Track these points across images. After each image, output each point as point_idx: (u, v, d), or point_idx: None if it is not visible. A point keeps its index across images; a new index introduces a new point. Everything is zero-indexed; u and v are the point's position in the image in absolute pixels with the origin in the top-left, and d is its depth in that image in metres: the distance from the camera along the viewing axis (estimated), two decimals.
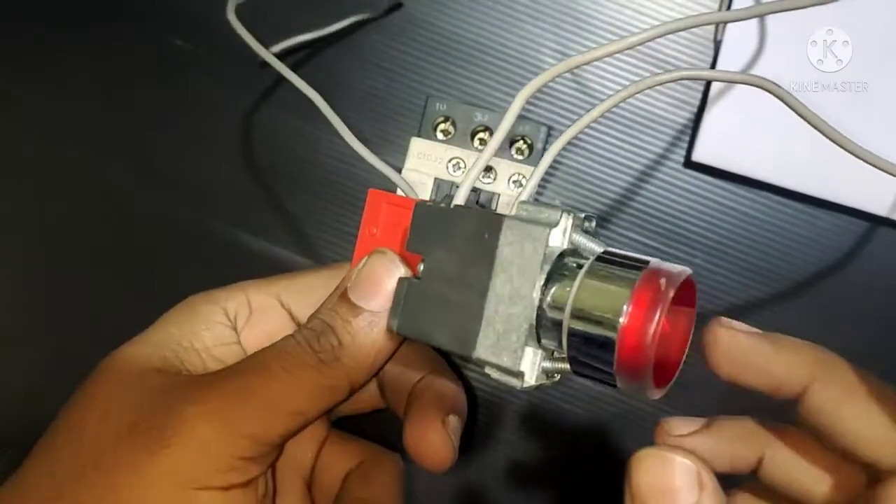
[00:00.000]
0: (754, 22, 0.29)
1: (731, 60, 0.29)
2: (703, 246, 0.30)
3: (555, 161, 0.30)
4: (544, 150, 0.29)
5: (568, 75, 0.30)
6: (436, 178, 0.29)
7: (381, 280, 0.21)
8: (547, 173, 0.30)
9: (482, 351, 0.18)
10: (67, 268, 0.31)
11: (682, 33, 0.30)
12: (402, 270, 0.21)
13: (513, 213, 0.19)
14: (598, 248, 0.18)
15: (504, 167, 0.29)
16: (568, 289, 0.17)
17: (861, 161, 0.25)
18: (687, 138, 0.30)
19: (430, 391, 0.25)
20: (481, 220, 0.19)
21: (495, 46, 0.30)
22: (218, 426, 0.20)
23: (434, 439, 0.23)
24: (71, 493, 0.20)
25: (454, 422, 0.24)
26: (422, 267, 0.20)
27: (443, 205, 0.21)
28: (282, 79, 0.30)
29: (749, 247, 0.29)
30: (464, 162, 0.29)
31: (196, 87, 0.31)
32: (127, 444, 0.20)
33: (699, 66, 0.30)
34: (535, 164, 0.29)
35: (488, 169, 0.29)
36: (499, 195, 0.29)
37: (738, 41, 0.29)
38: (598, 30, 0.30)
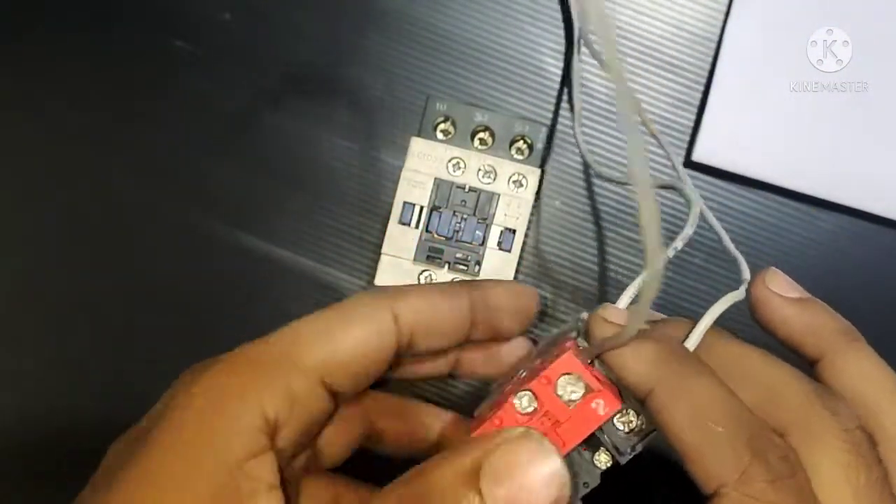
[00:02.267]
0: (754, 22, 0.29)
1: (731, 60, 0.29)
2: (703, 246, 0.30)
3: (555, 160, 0.30)
4: (544, 150, 0.29)
5: (566, 74, 0.30)
6: (436, 178, 0.29)
7: (524, 475, 0.17)
8: (547, 173, 0.30)
9: None
10: (67, 268, 0.31)
11: (681, 33, 0.30)
12: (556, 461, 0.18)
13: None
14: None
15: (504, 167, 0.29)
16: None
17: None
18: (687, 138, 0.30)
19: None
20: None
21: (495, 47, 0.30)
22: None
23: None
24: None
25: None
26: None
27: None
28: (281, 79, 0.30)
29: (749, 247, 0.29)
30: (464, 162, 0.29)
31: (196, 88, 0.31)
32: None
33: (698, 65, 0.30)
34: (536, 164, 0.29)
35: (488, 169, 0.29)
36: (499, 195, 0.29)
37: (738, 41, 0.29)
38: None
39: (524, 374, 0.20)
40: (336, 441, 0.23)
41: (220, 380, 0.20)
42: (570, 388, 0.19)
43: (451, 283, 0.25)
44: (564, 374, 0.19)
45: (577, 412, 0.19)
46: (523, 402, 0.19)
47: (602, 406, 0.19)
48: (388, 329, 0.22)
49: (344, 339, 0.21)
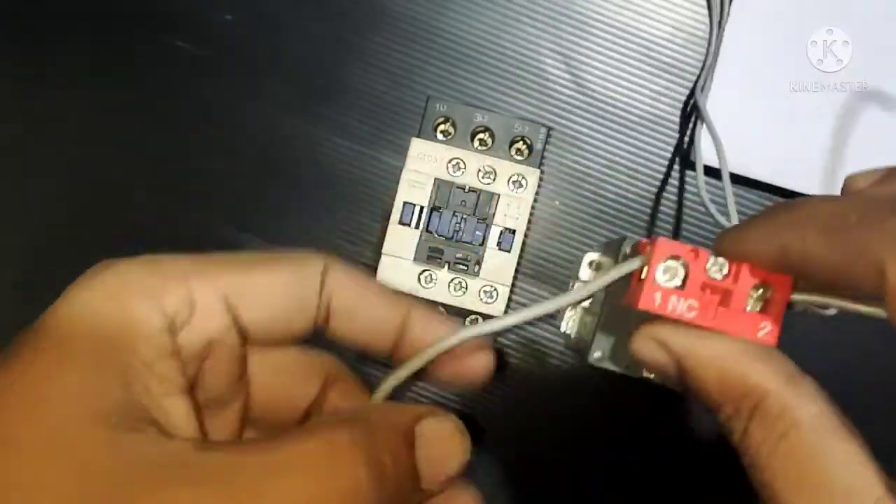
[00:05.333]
0: (754, 22, 0.29)
1: (731, 61, 0.29)
2: (703, 246, 0.29)
3: (555, 160, 0.30)
4: (543, 150, 0.29)
5: (567, 76, 0.30)
6: (436, 179, 0.29)
7: (455, 469, 0.18)
8: (546, 173, 0.30)
9: None
10: (67, 268, 0.31)
11: (681, 33, 0.30)
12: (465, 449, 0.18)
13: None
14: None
15: (504, 168, 0.29)
16: None
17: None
18: (687, 139, 0.30)
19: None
20: None
21: (495, 47, 0.30)
22: None
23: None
24: None
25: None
26: None
27: None
28: (282, 79, 0.30)
29: None
30: (464, 162, 0.29)
31: (196, 88, 0.31)
32: None
33: (698, 65, 0.30)
34: (535, 164, 0.29)
35: (488, 170, 0.29)
36: (499, 196, 0.29)
37: (738, 41, 0.29)
38: (597, 30, 0.30)
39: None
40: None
41: (123, 277, 0.20)
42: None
43: (401, 292, 0.23)
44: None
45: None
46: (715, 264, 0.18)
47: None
48: (311, 284, 0.20)
49: (256, 271, 0.21)
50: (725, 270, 0.18)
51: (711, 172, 0.29)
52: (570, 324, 0.28)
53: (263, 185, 0.30)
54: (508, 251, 0.28)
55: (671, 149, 0.30)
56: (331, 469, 0.16)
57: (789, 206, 0.17)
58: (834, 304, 0.17)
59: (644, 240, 0.20)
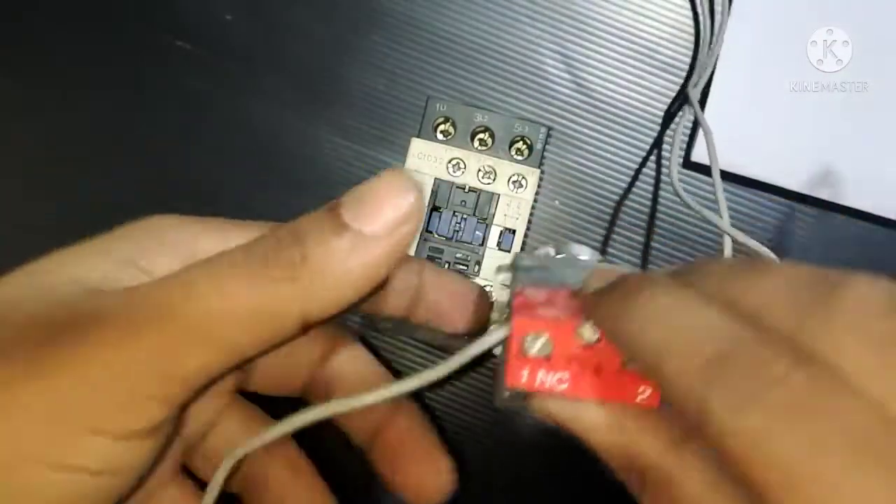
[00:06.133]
0: (753, 22, 0.29)
1: (730, 60, 0.29)
2: (703, 246, 0.30)
3: (555, 160, 0.30)
4: (543, 150, 0.29)
5: (566, 75, 0.30)
6: (436, 179, 0.29)
7: (386, 200, 0.17)
8: (546, 173, 0.30)
9: None
10: None
11: (681, 34, 0.30)
12: (415, 195, 0.17)
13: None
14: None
15: (504, 168, 0.29)
16: None
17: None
18: (686, 139, 0.30)
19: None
20: None
21: (495, 47, 0.30)
22: (123, 352, 0.16)
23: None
24: None
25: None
26: None
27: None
28: (281, 78, 0.30)
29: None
30: (464, 162, 0.29)
31: (196, 88, 0.31)
32: (5, 358, 0.16)
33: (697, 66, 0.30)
34: (535, 164, 0.29)
35: (488, 170, 0.29)
36: (499, 196, 0.29)
37: (738, 41, 0.29)
38: (597, 30, 0.30)
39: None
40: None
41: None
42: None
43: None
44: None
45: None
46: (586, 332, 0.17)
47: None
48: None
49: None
50: (598, 334, 0.17)
51: (709, 170, 0.30)
52: None
53: (263, 184, 0.30)
54: (508, 251, 0.28)
55: (671, 149, 0.30)
56: None
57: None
58: None
59: (519, 291, 0.18)
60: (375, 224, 0.17)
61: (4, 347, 0.16)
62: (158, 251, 0.18)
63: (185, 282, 0.16)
